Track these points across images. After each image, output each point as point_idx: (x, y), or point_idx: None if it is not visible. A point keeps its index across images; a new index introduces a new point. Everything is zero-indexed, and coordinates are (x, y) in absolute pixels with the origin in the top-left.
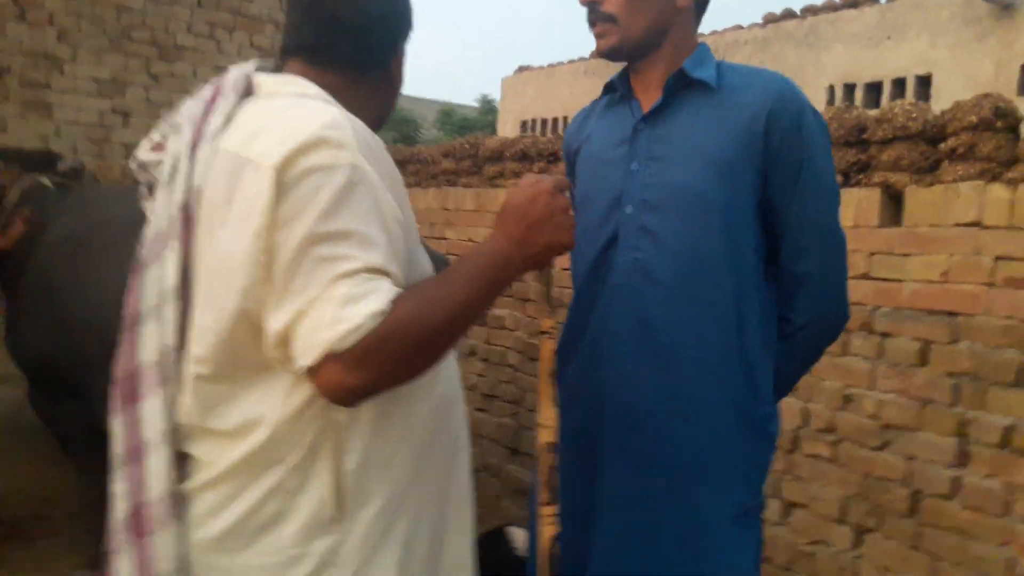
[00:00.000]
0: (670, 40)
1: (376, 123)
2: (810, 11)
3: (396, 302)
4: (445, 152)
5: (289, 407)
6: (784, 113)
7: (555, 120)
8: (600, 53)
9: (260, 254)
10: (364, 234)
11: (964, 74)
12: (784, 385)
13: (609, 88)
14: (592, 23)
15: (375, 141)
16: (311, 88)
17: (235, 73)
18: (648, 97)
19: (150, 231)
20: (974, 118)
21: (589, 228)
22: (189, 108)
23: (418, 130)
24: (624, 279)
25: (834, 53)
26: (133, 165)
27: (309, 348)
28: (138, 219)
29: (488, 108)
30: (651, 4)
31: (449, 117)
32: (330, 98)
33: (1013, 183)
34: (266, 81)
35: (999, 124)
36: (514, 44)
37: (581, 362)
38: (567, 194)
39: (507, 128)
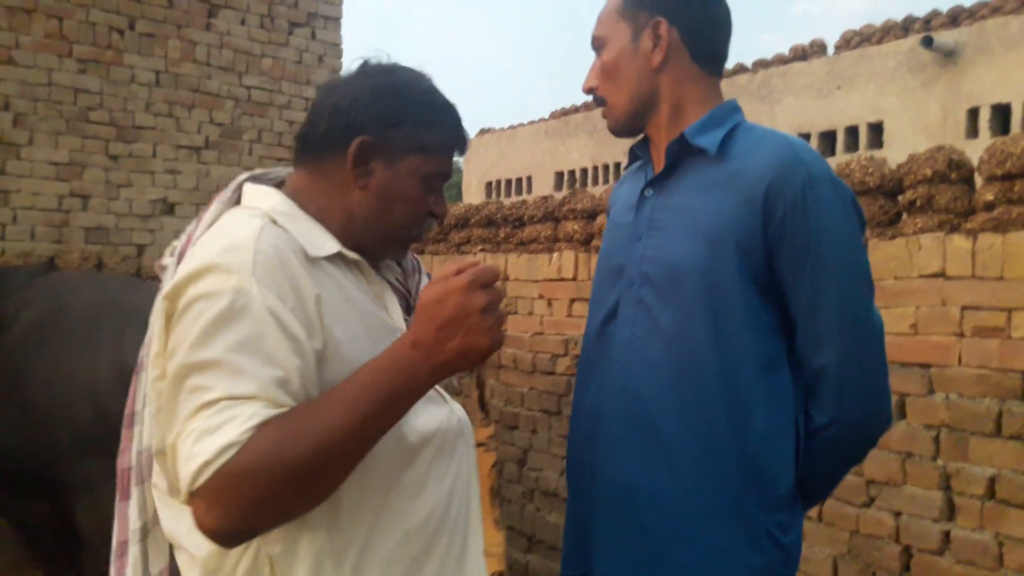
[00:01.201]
0: (664, 101)
1: (350, 225)
2: (761, 65)
3: (258, 431)
4: None
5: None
6: (786, 185)
7: (519, 180)
8: (611, 133)
9: (156, 381)
10: (234, 363)
11: (913, 120)
12: (813, 491)
13: (632, 155)
14: (598, 106)
15: (301, 256)
16: (268, 199)
17: (236, 181)
18: (660, 163)
19: (148, 333)
20: (929, 171)
21: (596, 298)
22: (199, 214)
23: None
24: (620, 356)
25: (787, 105)
26: (157, 269)
27: (182, 485)
28: (103, 306)
29: (454, 169)
30: (626, 76)
31: None
32: (285, 208)
33: (972, 233)
34: (246, 191)
35: (953, 176)
36: (475, 106)
37: (574, 442)
38: (490, 289)
39: (472, 189)
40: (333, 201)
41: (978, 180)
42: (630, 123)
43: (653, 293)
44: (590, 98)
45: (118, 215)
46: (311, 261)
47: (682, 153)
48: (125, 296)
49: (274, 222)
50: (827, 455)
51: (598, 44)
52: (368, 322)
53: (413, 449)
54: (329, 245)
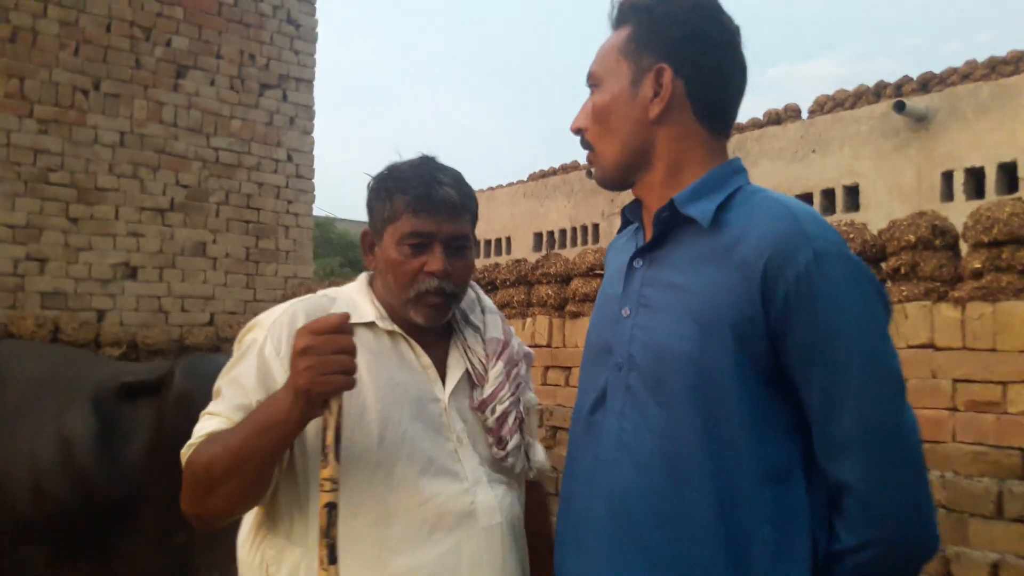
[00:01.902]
0: (658, 159)
1: (394, 293)
2: (736, 129)
3: (206, 439)
4: None
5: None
6: (788, 263)
7: (497, 241)
8: (597, 184)
9: None
10: (222, 389)
11: (888, 183)
12: None
13: (624, 218)
14: (585, 150)
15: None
16: (355, 282)
17: None
18: (651, 229)
19: None
20: (912, 237)
21: (584, 378)
22: None
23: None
24: (608, 452)
25: (762, 168)
26: None
27: None
28: (46, 380)
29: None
30: (619, 123)
31: None
32: (356, 287)
33: (960, 302)
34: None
35: (938, 242)
36: (456, 167)
37: (562, 546)
38: (316, 336)
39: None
40: (382, 280)
41: (963, 247)
42: (618, 176)
43: (641, 381)
44: (568, 160)
45: (77, 279)
46: None
47: (673, 221)
48: (70, 370)
49: (332, 298)
50: None
51: (593, 81)
52: (378, 381)
53: (408, 509)
54: (363, 315)
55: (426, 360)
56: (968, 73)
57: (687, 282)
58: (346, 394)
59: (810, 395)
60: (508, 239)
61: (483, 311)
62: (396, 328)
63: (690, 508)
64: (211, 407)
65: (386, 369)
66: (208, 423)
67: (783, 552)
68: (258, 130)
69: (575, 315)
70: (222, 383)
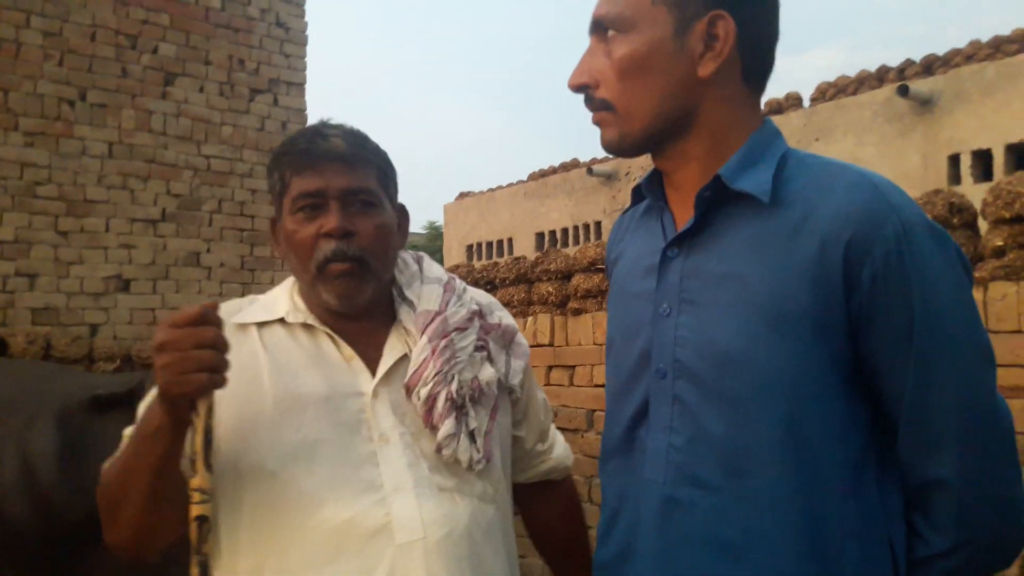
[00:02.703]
0: (702, 125)
1: (301, 276)
2: (768, 75)
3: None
4: None
5: None
6: (875, 240)
7: (499, 242)
8: (604, 148)
9: None
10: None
11: (894, 168)
12: None
13: (637, 194)
14: (590, 110)
15: (230, 327)
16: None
17: None
18: (683, 208)
19: None
20: (929, 216)
21: (616, 390)
22: None
23: None
24: (657, 474)
25: None
26: None
27: None
28: (12, 398)
29: (436, 234)
30: (658, 79)
31: None
32: (284, 285)
33: (982, 282)
34: None
35: (956, 221)
36: (452, 170)
37: (603, 572)
38: (173, 329)
39: (453, 253)
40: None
41: (982, 225)
42: (646, 142)
43: (694, 389)
44: (568, 159)
45: (68, 294)
46: (236, 328)
47: (718, 200)
48: (38, 385)
49: (252, 299)
50: None
51: (617, 26)
52: (277, 383)
53: (309, 529)
54: (274, 312)
55: (348, 351)
56: (972, 54)
57: (747, 271)
58: (242, 401)
59: (901, 386)
60: (510, 240)
61: (421, 282)
62: (310, 320)
63: (768, 532)
64: (127, 429)
65: (291, 368)
66: (121, 446)
67: (868, 566)
68: (250, 136)
69: (577, 312)
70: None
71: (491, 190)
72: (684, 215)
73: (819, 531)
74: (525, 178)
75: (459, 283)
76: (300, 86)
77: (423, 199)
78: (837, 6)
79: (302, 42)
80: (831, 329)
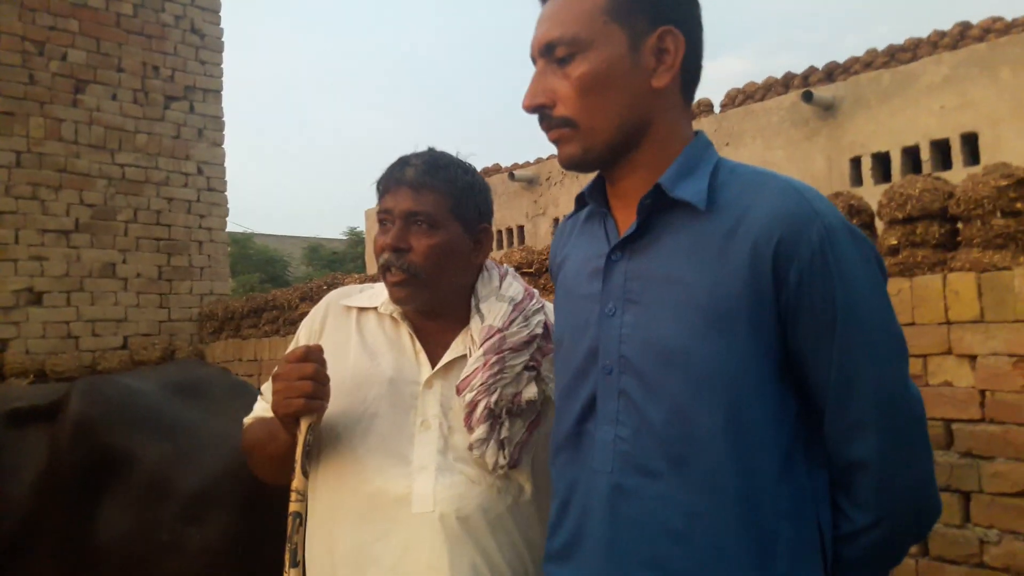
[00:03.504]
0: (652, 137)
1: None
2: (696, 88)
3: (252, 422)
4: (302, 295)
5: None
6: (801, 241)
7: None
8: (563, 165)
9: None
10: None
11: (801, 171)
12: None
13: (580, 202)
14: (545, 130)
15: (337, 308)
16: None
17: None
18: (626, 214)
19: None
20: None
21: (566, 388)
22: None
23: (287, 268)
24: (604, 464)
25: None
26: None
27: None
28: None
29: (357, 240)
30: (618, 93)
31: (316, 252)
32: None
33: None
34: None
35: (854, 221)
36: (376, 175)
37: (552, 560)
38: (286, 365)
39: (374, 259)
40: None
41: (879, 225)
42: (607, 155)
43: (638, 383)
44: (490, 164)
45: None
46: (344, 310)
47: (657, 207)
48: None
49: (365, 286)
50: (869, 561)
51: (573, 46)
52: (358, 362)
53: (353, 487)
54: (374, 302)
55: (418, 345)
56: (870, 61)
57: (685, 273)
58: (330, 370)
59: (825, 375)
60: None
61: (496, 299)
62: (396, 314)
63: (709, 515)
64: (264, 387)
65: (372, 350)
66: (258, 404)
67: (801, 546)
68: (165, 144)
69: None
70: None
71: None
72: (627, 221)
73: (756, 513)
74: None
75: (533, 304)
76: (217, 92)
77: (343, 205)
78: (744, 13)
79: (218, 48)
80: (763, 325)
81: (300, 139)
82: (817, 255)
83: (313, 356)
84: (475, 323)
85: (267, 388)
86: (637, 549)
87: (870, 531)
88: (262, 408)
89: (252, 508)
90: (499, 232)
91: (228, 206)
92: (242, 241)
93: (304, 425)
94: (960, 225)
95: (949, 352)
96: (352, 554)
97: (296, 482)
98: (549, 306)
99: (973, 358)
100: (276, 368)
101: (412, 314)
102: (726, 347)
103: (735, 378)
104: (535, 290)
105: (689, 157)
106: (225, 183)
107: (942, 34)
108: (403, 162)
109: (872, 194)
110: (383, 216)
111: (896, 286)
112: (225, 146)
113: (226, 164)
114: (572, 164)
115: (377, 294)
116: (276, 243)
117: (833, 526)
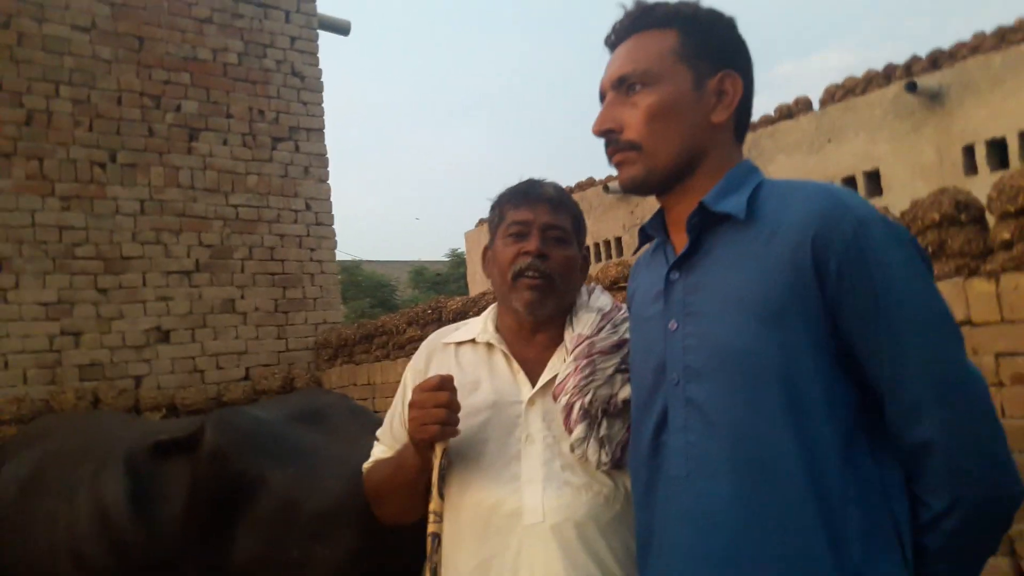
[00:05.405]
0: (706, 166)
1: (499, 288)
2: (749, 127)
3: (372, 465)
4: (408, 320)
5: None
6: (835, 234)
7: None
8: (623, 186)
9: None
10: (386, 420)
11: (908, 164)
12: None
13: (643, 235)
14: (611, 154)
15: (437, 345)
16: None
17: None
18: (683, 239)
19: None
20: (936, 215)
21: (640, 407)
22: None
23: (394, 292)
24: (679, 469)
25: (779, 163)
26: None
27: None
28: (85, 448)
29: (458, 261)
30: (681, 123)
31: (421, 275)
32: (485, 312)
33: (993, 275)
34: None
35: (963, 217)
36: (475, 196)
37: (646, 571)
38: (422, 393)
39: (477, 279)
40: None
41: (990, 219)
42: (667, 179)
43: (702, 388)
44: (584, 178)
45: (112, 348)
46: (443, 347)
47: (705, 225)
48: (105, 434)
49: (461, 324)
50: (956, 551)
51: (644, 80)
52: (463, 393)
53: (469, 509)
54: (469, 335)
55: (515, 366)
56: (977, 46)
57: (734, 279)
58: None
59: (877, 362)
60: None
61: (586, 310)
62: (492, 340)
63: (779, 508)
64: (379, 432)
65: (473, 379)
66: (376, 448)
67: (874, 534)
68: (274, 183)
69: None
70: (388, 412)
71: None
72: (683, 244)
73: (823, 502)
74: None
75: (621, 314)
76: (319, 131)
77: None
78: (839, 7)
79: (318, 89)
80: (813, 319)
81: (399, 165)
82: (852, 246)
83: (446, 385)
84: (568, 336)
85: (383, 432)
86: (712, 548)
87: (949, 516)
88: (380, 451)
89: (373, 526)
90: (596, 245)
91: (336, 238)
92: (351, 269)
93: (439, 449)
94: None
95: None
96: (476, 572)
97: (433, 504)
98: None
99: None
100: (412, 397)
101: (508, 337)
102: (779, 343)
103: (792, 372)
104: (623, 304)
105: (731, 179)
106: (332, 216)
107: None
108: (534, 181)
109: (989, 183)
110: (519, 228)
111: (1013, 282)
112: (330, 181)
113: (331, 198)
114: (633, 185)
115: (471, 328)
116: (383, 268)
117: (914, 516)
